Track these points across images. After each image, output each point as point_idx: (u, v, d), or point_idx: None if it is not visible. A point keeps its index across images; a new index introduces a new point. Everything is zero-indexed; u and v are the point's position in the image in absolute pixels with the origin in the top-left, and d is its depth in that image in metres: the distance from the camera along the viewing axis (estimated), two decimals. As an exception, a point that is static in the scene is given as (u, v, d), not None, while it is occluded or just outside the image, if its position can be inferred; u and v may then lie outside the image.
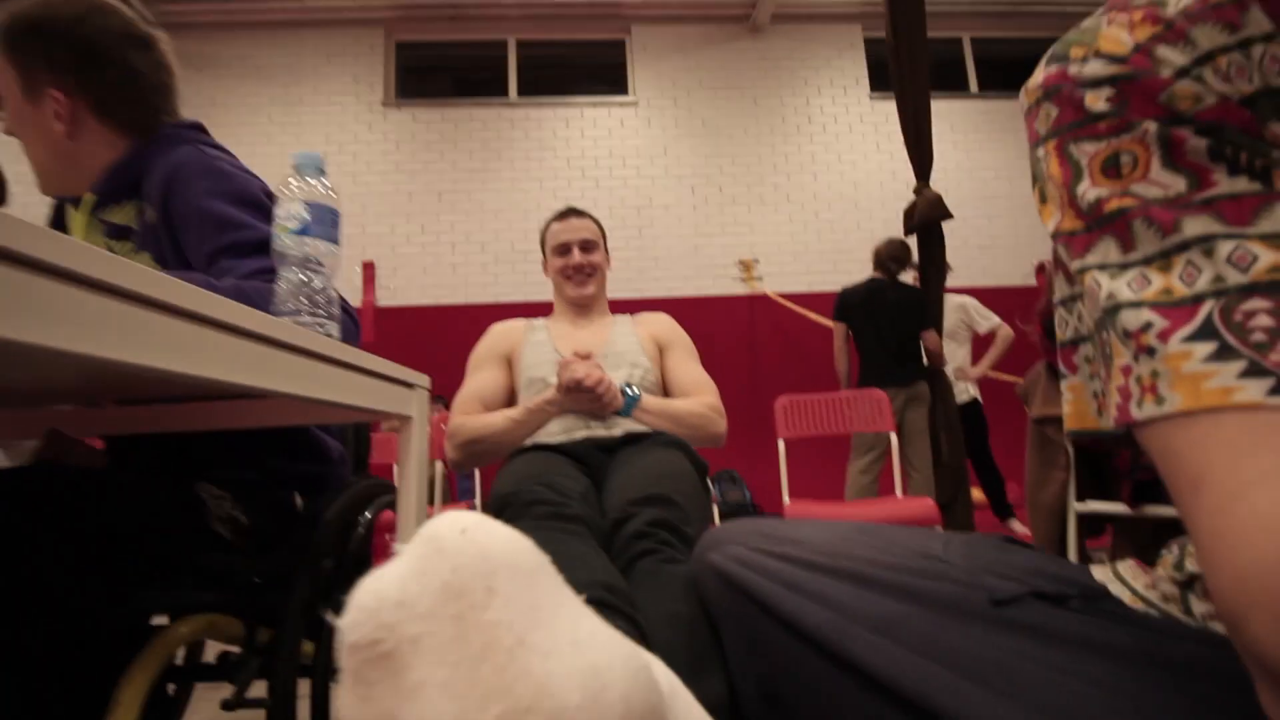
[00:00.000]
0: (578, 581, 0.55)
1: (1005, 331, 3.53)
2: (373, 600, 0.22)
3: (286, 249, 0.59)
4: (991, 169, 5.51)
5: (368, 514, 0.95)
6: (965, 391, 3.47)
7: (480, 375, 1.33)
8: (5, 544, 0.55)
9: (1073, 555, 1.23)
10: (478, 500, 2.48)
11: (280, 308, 0.58)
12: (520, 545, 0.24)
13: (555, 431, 1.17)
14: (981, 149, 5.54)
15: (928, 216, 3.05)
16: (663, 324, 1.44)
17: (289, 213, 0.60)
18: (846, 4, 5.52)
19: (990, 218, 5.38)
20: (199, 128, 0.87)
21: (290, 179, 0.62)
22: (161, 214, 0.76)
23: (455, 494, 3.23)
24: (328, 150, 5.18)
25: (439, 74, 5.79)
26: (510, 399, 1.33)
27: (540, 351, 1.32)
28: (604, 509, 0.86)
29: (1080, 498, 1.24)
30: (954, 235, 5.44)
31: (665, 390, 1.34)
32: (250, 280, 0.64)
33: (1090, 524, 1.27)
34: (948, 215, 3.04)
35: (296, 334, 0.54)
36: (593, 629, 0.25)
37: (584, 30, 5.64)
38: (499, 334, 1.40)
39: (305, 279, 0.60)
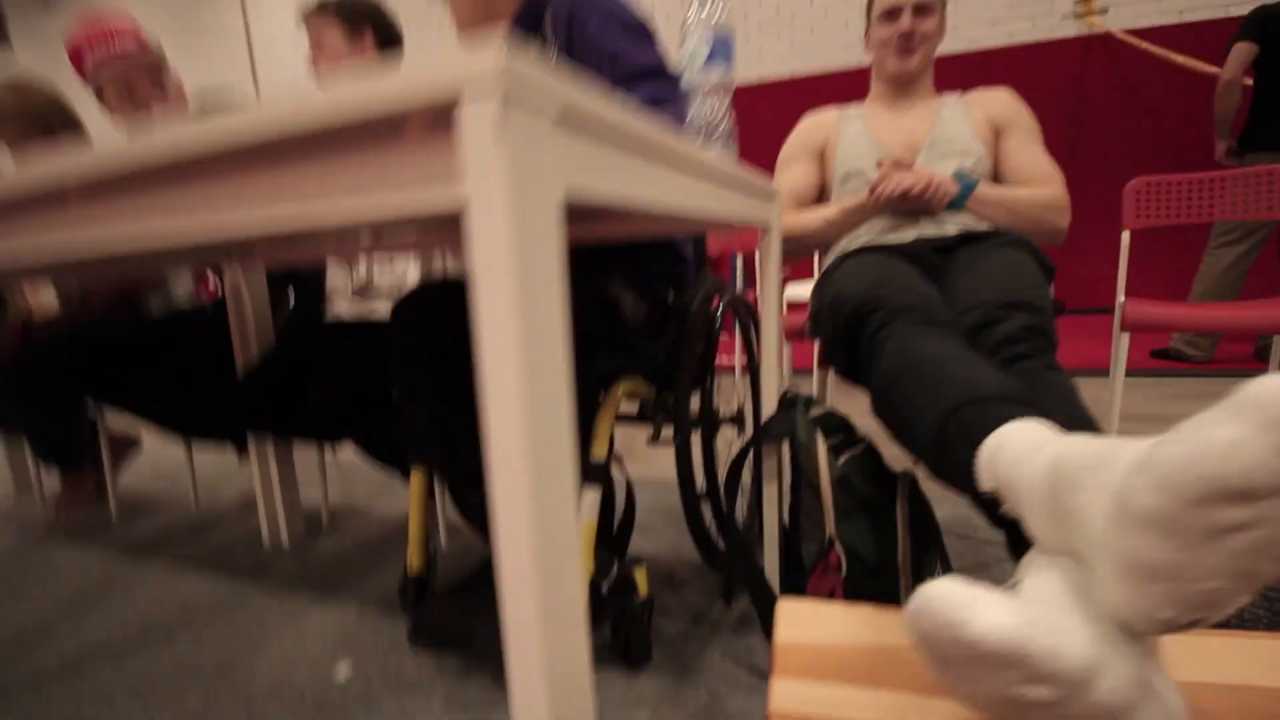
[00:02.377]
0: (986, 384, 0.62)
1: None
2: (1252, 461, 0.30)
3: (696, 85, 0.67)
4: None
5: (719, 307, 1.12)
6: None
7: (792, 171, 1.34)
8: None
9: None
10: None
11: (689, 134, 0.68)
12: None
13: (882, 229, 1.17)
14: None
15: None
16: (1001, 102, 1.27)
17: (693, 51, 0.67)
18: None
19: None
20: None
21: (689, 13, 0.67)
22: (565, 47, 0.88)
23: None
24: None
25: None
26: (824, 195, 1.35)
27: (858, 144, 1.28)
28: (953, 310, 0.89)
29: None
30: None
31: (999, 179, 1.23)
32: (655, 108, 0.74)
33: None
34: None
35: (706, 160, 0.63)
36: None
37: None
38: (810, 127, 1.37)
39: (711, 110, 0.68)
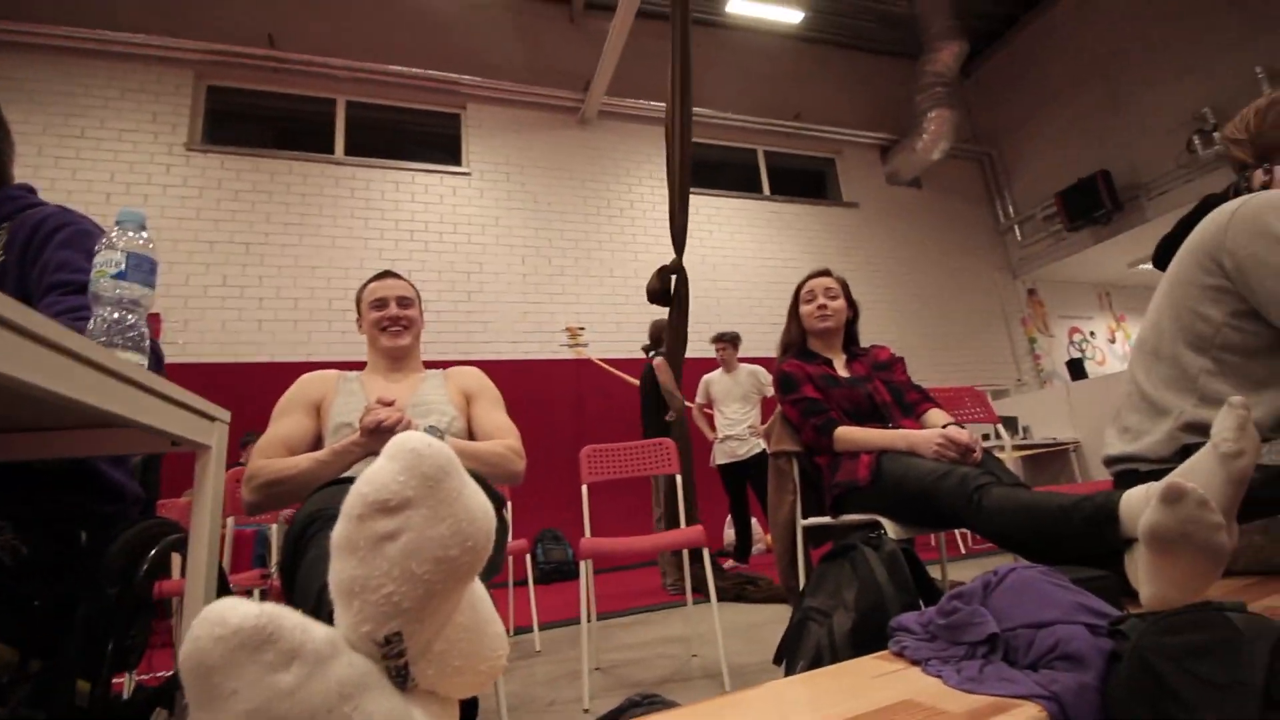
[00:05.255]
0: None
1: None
2: (386, 480, 0.42)
3: (103, 290, 0.68)
4: (779, 259, 6.49)
5: (153, 552, 0.96)
6: (757, 445, 3.98)
7: (286, 421, 1.37)
8: None
9: (800, 561, 1.55)
10: (273, 568, 2.33)
11: (93, 339, 0.66)
12: (449, 451, 0.44)
13: (361, 468, 1.25)
14: (771, 241, 6.52)
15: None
16: (470, 376, 1.59)
17: (108, 259, 0.69)
18: (663, 110, 6.31)
19: (781, 299, 6.29)
20: (31, 189, 0.95)
21: (113, 231, 0.71)
22: (19, 255, 0.82)
23: (250, 561, 2.96)
24: (112, 190, 4.68)
25: (256, 122, 5.55)
26: (315, 446, 1.38)
27: (352, 401, 1.40)
28: None
29: (805, 515, 1.58)
30: (750, 313, 6.24)
31: (472, 436, 1.48)
32: (63, 315, 0.71)
33: (814, 535, 1.62)
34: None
35: (106, 355, 0.63)
36: (473, 483, 0.46)
37: (419, 100, 5.80)
38: (309, 381, 1.45)
39: (119, 317, 0.69)
